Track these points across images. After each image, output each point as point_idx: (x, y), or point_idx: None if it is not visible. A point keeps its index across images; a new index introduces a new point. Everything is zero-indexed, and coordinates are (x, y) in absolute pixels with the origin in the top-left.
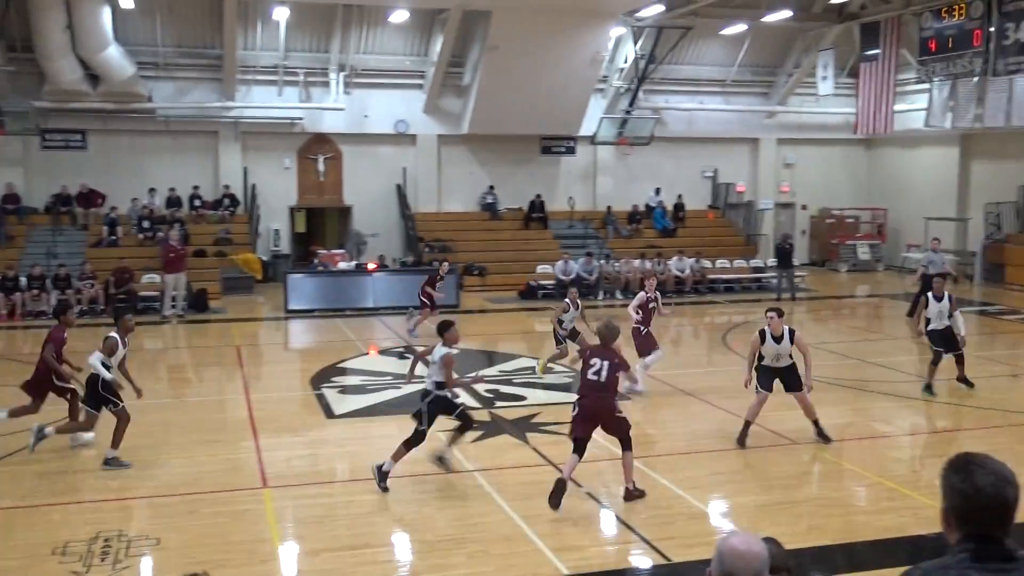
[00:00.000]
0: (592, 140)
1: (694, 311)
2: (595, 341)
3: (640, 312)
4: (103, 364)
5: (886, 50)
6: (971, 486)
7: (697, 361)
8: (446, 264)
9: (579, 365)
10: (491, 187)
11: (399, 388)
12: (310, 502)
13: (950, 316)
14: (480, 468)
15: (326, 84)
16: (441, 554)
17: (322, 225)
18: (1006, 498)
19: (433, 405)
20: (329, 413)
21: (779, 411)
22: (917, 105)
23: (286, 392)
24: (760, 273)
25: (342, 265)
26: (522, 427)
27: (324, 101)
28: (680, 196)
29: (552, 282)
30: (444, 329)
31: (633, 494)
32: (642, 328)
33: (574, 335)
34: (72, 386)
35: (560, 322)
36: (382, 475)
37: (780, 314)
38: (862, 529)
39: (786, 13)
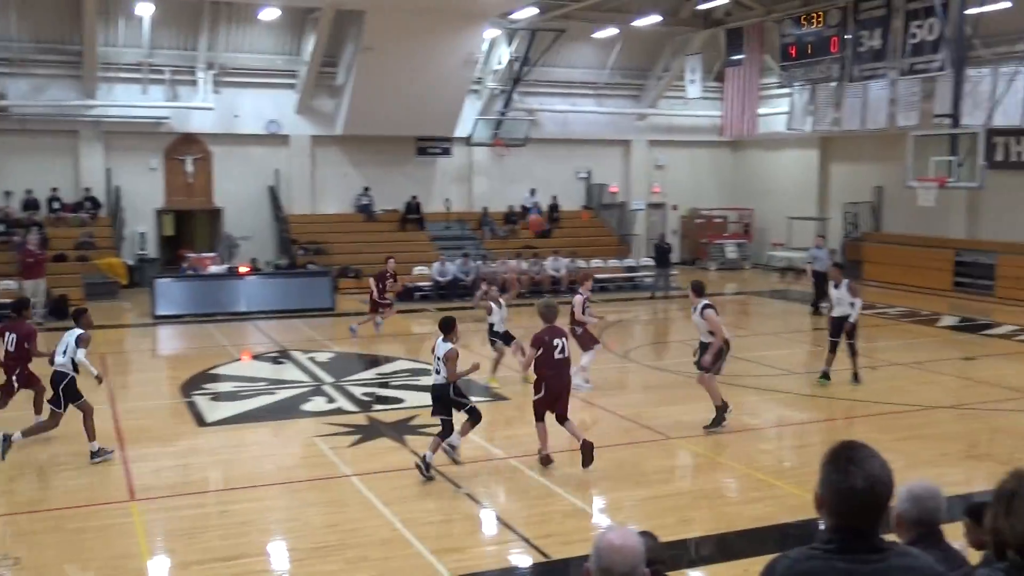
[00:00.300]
0: (467, 141)
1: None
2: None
3: (584, 312)
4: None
5: (750, 56)
6: (847, 486)
7: (573, 359)
8: (392, 261)
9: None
10: (366, 188)
11: (273, 393)
12: (181, 513)
13: (851, 304)
14: (357, 472)
15: (194, 83)
16: (319, 561)
17: (191, 228)
18: (878, 497)
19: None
20: (201, 421)
21: (652, 407)
22: (779, 109)
23: (155, 401)
24: (633, 272)
25: (213, 269)
26: (400, 430)
27: (192, 100)
28: (555, 197)
29: (429, 284)
30: (447, 325)
31: (588, 446)
32: (577, 329)
33: (508, 338)
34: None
35: (491, 326)
36: (426, 466)
37: (696, 290)
38: (733, 519)
39: (655, 18)
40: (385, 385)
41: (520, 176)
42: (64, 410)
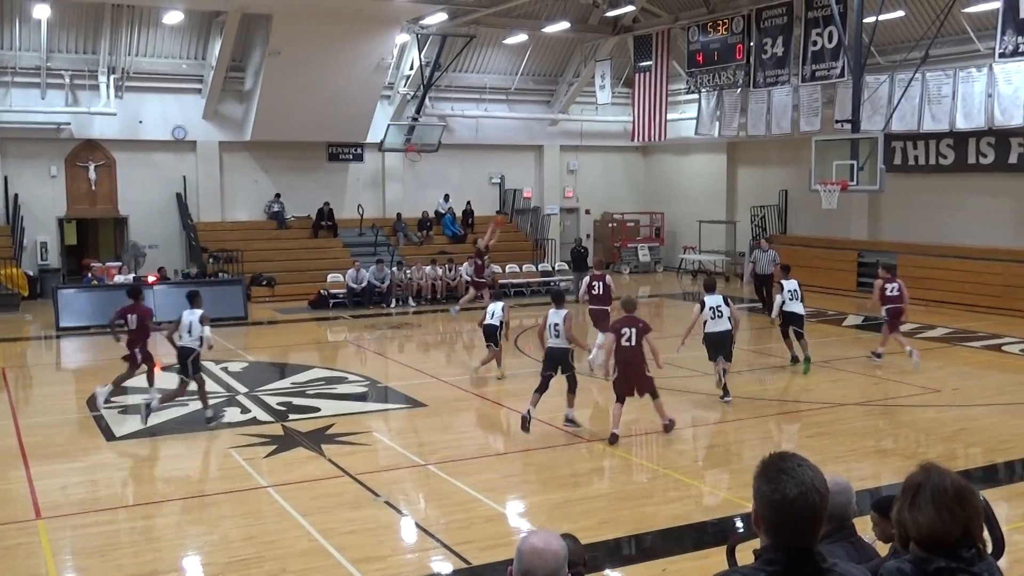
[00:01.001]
0: (380, 147)
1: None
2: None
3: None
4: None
5: (658, 62)
6: (779, 496)
7: (489, 366)
8: (480, 240)
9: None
10: (277, 195)
11: (185, 405)
12: (90, 531)
13: (801, 299)
14: (274, 483)
15: (95, 87)
16: (236, 575)
17: (95, 237)
18: (813, 507)
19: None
20: (109, 435)
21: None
22: (688, 114)
23: (60, 415)
24: (548, 277)
25: (119, 278)
26: (316, 439)
27: (93, 105)
28: (469, 202)
29: (343, 291)
30: (558, 297)
31: (669, 427)
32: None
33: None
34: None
35: (502, 324)
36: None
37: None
38: (651, 519)
39: (564, 25)
40: (302, 394)
41: (433, 182)
42: (191, 379)
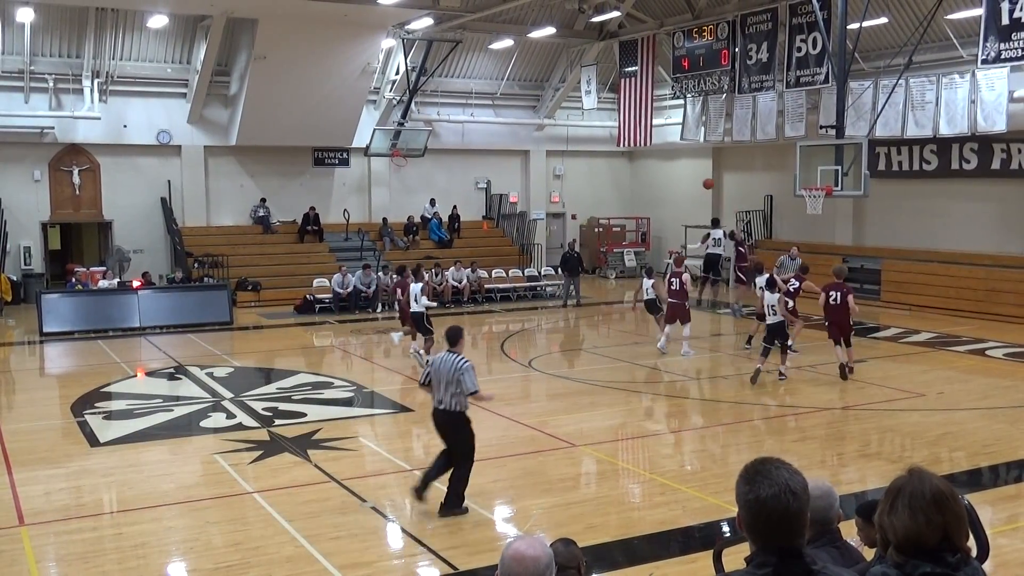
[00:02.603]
0: (366, 152)
1: (472, 320)
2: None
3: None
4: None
5: (643, 67)
6: (754, 497)
7: (477, 370)
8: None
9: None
10: (263, 200)
11: (170, 410)
12: (74, 537)
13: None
14: (260, 489)
15: (80, 91)
16: None
17: (79, 241)
18: (787, 509)
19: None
20: (93, 441)
21: (557, 416)
22: (673, 120)
23: (44, 421)
24: (535, 282)
25: (103, 283)
26: (302, 444)
27: (78, 109)
28: (455, 207)
29: (329, 296)
30: (770, 282)
31: (846, 369)
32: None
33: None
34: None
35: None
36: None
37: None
38: (638, 524)
39: (550, 30)
40: (287, 399)
41: (419, 186)
42: (429, 335)
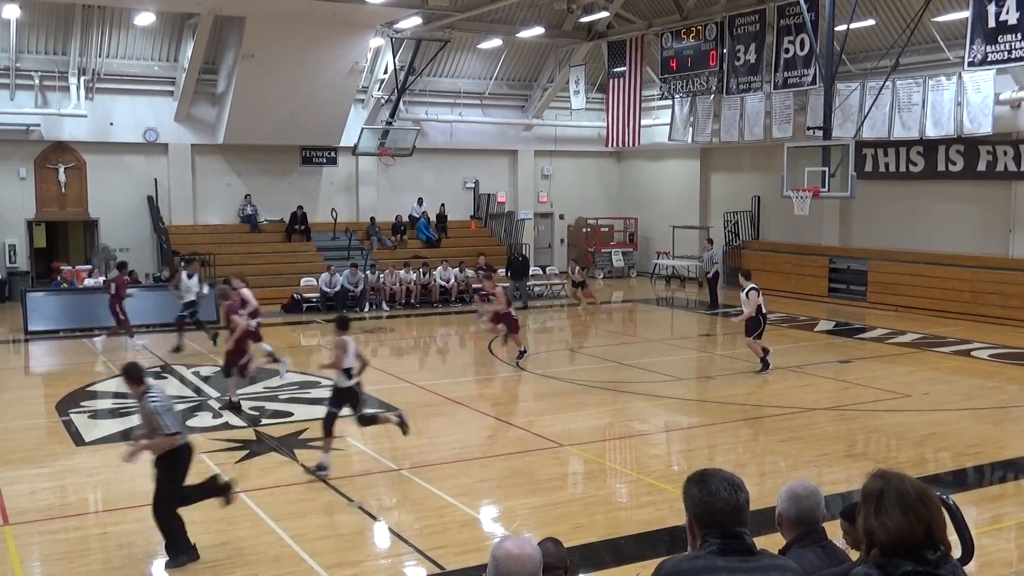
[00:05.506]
0: (354, 151)
1: (459, 320)
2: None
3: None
4: None
5: (632, 68)
6: (708, 493)
7: (464, 370)
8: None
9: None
10: (247, 196)
11: None
12: (59, 537)
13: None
14: (246, 488)
15: (66, 89)
16: None
17: (65, 240)
18: (739, 500)
19: None
20: (78, 440)
21: (544, 415)
22: (661, 120)
23: (28, 420)
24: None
25: (89, 282)
26: (289, 444)
27: (64, 107)
28: (443, 206)
29: (316, 295)
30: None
31: None
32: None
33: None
34: None
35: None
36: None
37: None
38: (625, 524)
39: (539, 30)
40: (274, 399)
41: (407, 186)
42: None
